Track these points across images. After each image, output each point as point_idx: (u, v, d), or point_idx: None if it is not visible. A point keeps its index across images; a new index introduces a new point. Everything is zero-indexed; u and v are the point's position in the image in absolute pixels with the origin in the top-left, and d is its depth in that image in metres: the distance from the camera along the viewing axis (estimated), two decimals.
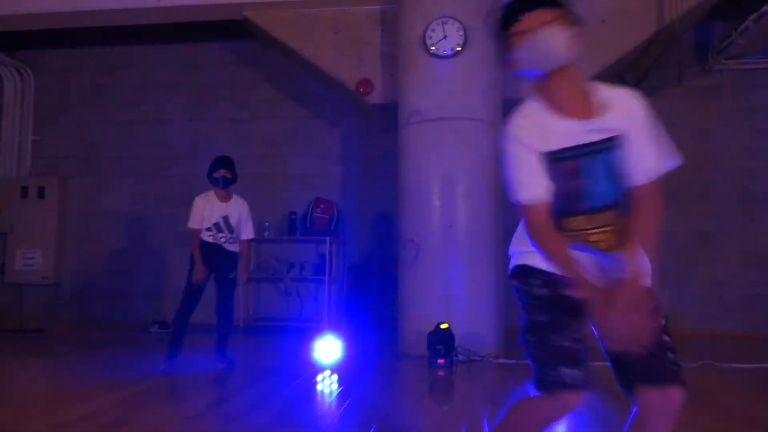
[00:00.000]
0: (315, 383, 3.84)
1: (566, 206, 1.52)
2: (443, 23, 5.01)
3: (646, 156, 1.52)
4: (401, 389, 3.96)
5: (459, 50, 5.00)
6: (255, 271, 6.90)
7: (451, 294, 4.88)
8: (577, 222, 1.52)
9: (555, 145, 1.50)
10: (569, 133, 1.50)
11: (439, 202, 4.99)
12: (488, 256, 4.96)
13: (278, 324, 6.64)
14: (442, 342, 4.46)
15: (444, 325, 4.49)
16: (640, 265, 1.45)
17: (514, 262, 1.66)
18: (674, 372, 1.46)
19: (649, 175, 1.52)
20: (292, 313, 6.86)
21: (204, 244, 4.35)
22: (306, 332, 5.93)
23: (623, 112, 1.53)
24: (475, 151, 5.02)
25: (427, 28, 5.04)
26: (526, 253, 1.59)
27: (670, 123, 5.98)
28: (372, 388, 3.81)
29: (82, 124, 7.59)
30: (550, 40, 1.47)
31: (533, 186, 1.51)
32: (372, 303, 6.70)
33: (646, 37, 5.53)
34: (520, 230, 1.62)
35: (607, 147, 1.51)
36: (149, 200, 7.44)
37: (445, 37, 5.01)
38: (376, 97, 5.86)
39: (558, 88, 1.52)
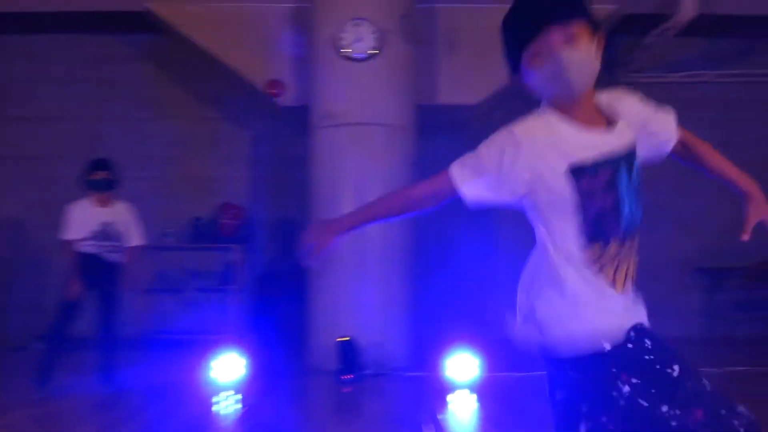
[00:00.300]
0: (215, 404, 3.56)
1: (601, 230, 1.28)
2: (357, 25, 4.86)
3: (662, 121, 1.38)
4: (308, 409, 3.75)
5: (373, 54, 4.86)
6: (154, 282, 6.43)
7: (361, 305, 4.72)
8: (611, 250, 1.28)
9: (582, 156, 1.25)
10: (594, 144, 1.27)
11: (351, 209, 4.81)
12: (400, 266, 4.85)
13: (179, 338, 6.22)
14: (350, 356, 4.29)
15: (345, 338, 4.32)
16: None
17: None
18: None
19: (674, 132, 1.41)
20: (195, 325, 6.45)
21: (82, 256, 3.95)
22: (210, 346, 5.57)
23: (629, 116, 1.33)
24: (388, 157, 4.90)
25: (340, 29, 4.86)
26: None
27: None
28: (277, 409, 3.58)
29: None
30: (580, 63, 1.23)
31: (478, 186, 1.29)
32: (282, 315, 6.42)
33: None
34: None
35: (629, 158, 1.31)
36: (38, 205, 6.78)
37: (359, 39, 4.86)
38: (287, 99, 5.61)
39: (576, 101, 1.29)
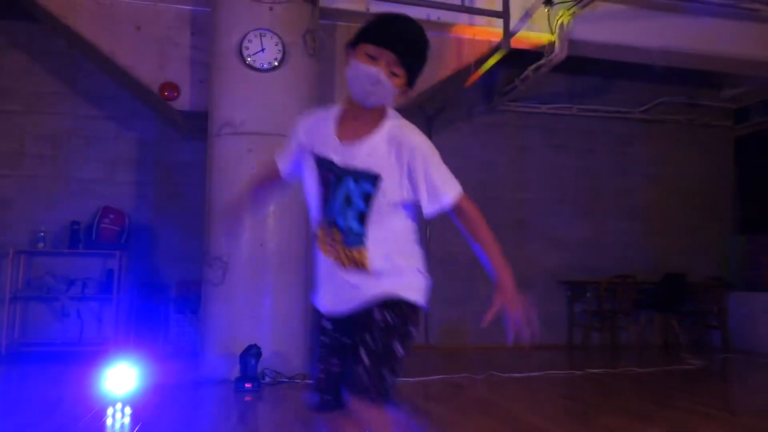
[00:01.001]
0: (105, 419, 3.41)
1: (315, 212, 1.69)
2: (261, 35, 4.89)
3: (429, 187, 1.63)
4: (207, 420, 3.69)
5: (276, 65, 4.92)
6: (24, 289, 5.94)
7: (259, 314, 4.72)
8: (320, 231, 1.68)
9: (318, 152, 1.65)
10: (339, 149, 1.61)
11: (250, 219, 4.81)
12: (297, 276, 4.91)
13: (53, 349, 5.79)
14: (250, 365, 4.29)
15: (253, 347, 4.33)
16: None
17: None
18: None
19: (437, 206, 1.65)
20: (71, 336, 6.03)
21: None
22: (88, 358, 5.27)
23: (399, 154, 1.59)
24: None
25: (244, 38, 4.87)
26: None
27: (461, 155, 6.70)
28: (174, 422, 3.50)
29: None
30: (381, 87, 1.54)
31: (279, 157, 1.85)
32: (167, 324, 6.20)
33: (446, 75, 6.00)
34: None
35: (360, 176, 1.59)
36: None
37: (262, 49, 4.90)
38: (182, 104, 5.47)
39: (351, 108, 1.64)
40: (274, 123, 4.87)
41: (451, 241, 7.24)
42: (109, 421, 3.39)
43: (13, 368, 5.13)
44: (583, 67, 7.18)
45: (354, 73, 1.56)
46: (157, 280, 6.39)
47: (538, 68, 6.17)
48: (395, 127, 1.62)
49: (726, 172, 8.29)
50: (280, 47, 4.93)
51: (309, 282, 5.04)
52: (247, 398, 4.12)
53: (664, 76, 6.96)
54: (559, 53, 5.80)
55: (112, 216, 6.18)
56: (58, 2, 5.29)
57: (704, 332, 7.67)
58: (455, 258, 7.24)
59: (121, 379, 3.96)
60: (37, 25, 6.27)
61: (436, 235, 7.21)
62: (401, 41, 1.55)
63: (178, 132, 6.58)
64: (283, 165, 1.83)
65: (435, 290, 6.59)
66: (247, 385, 4.23)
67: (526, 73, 6.38)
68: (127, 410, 3.64)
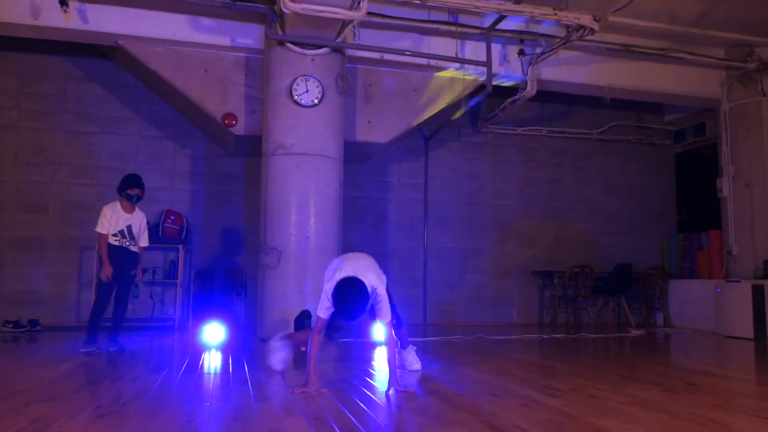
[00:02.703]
0: (202, 361, 4.92)
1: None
2: (306, 80, 6.47)
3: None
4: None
5: (317, 102, 6.49)
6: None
7: (304, 290, 6.27)
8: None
9: None
10: None
11: (297, 218, 6.37)
12: (333, 259, 6.47)
13: (129, 324, 7.27)
14: (303, 326, 5.84)
15: (306, 311, 5.88)
16: None
17: None
18: None
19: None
20: (143, 313, 7.54)
21: (111, 248, 5.13)
22: (160, 330, 6.77)
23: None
24: (324, 180, 6.52)
25: (293, 82, 6.44)
26: None
27: (453, 168, 8.77)
28: (256, 363, 5.01)
29: None
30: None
31: (323, 312, 3.50)
32: (217, 303, 7.71)
33: (443, 105, 7.63)
34: None
35: None
36: None
37: (307, 90, 6.47)
38: (239, 129, 7.01)
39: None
40: (316, 146, 6.45)
41: (442, 238, 8.88)
42: (207, 361, 4.89)
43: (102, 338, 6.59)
44: (551, 97, 8.88)
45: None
46: (208, 269, 7.90)
47: (513, 101, 7.83)
48: None
49: (668, 183, 10.05)
50: (320, 89, 6.50)
51: None
52: (303, 349, 5.64)
53: (617, 104, 8.68)
54: (530, 90, 7.46)
55: (173, 217, 7.68)
56: (143, 51, 6.80)
57: (650, 313, 9.36)
58: (446, 252, 8.86)
59: (213, 332, 5.49)
60: (110, 62, 7.79)
61: (430, 233, 8.83)
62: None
63: (224, 150, 8.11)
64: (326, 315, 3.44)
65: (430, 278, 8.80)
66: (302, 349, 5.77)
67: (504, 104, 8.04)
68: (223, 355, 5.14)
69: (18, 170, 7.57)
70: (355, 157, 8.09)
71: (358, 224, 8.46)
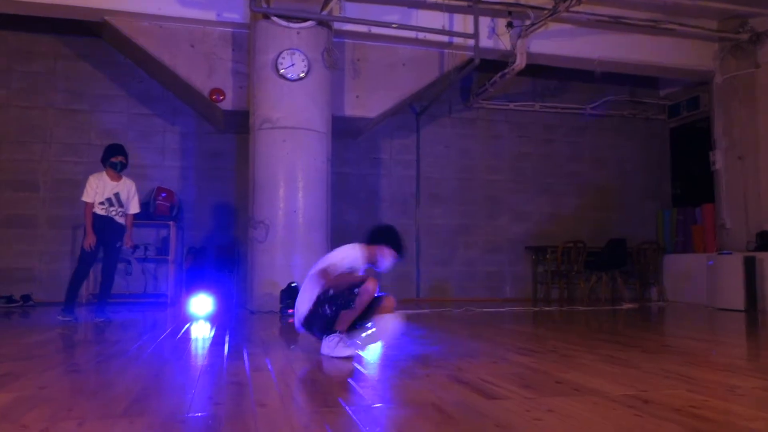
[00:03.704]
0: (196, 328, 4.96)
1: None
2: (291, 54, 6.45)
3: None
4: (259, 332, 5.24)
5: (303, 76, 6.48)
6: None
7: (292, 263, 6.30)
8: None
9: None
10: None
11: (285, 192, 6.39)
12: (321, 234, 6.50)
13: (122, 300, 7.34)
14: (291, 297, 5.87)
15: (293, 284, 5.92)
16: None
17: None
18: None
19: None
20: (135, 289, 7.59)
21: (96, 217, 5.15)
22: (153, 306, 6.83)
23: None
24: (311, 154, 6.52)
25: (278, 55, 6.42)
26: None
27: (445, 144, 8.78)
28: (241, 332, 5.05)
29: None
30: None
31: None
32: (209, 278, 7.75)
33: (432, 79, 7.60)
34: None
35: None
36: None
37: (292, 64, 6.45)
38: (226, 104, 7.01)
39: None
40: (303, 119, 6.44)
41: (434, 214, 8.89)
42: (197, 332, 4.92)
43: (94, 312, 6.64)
44: (544, 72, 8.83)
45: (389, 263, 3.39)
46: (200, 245, 7.93)
47: (503, 75, 7.78)
48: None
49: (662, 157, 10.01)
50: (306, 62, 6.48)
51: (329, 238, 6.64)
52: (291, 320, 5.68)
53: (610, 78, 8.62)
54: (519, 63, 7.41)
55: (164, 194, 7.70)
56: (130, 27, 6.79)
57: (644, 288, 9.36)
58: (438, 228, 8.87)
59: (201, 304, 5.53)
60: (99, 39, 7.77)
61: (422, 209, 8.83)
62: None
63: (213, 126, 8.11)
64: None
65: (422, 254, 8.81)
66: (290, 311, 5.81)
67: (494, 78, 7.99)
68: (209, 325, 5.18)
69: (8, 149, 7.59)
70: (346, 133, 8.08)
71: (350, 201, 8.47)
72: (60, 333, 4.37)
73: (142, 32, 6.81)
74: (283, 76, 6.42)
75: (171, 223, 7.59)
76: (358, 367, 2.91)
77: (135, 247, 7.48)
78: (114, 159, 5.28)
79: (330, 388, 2.44)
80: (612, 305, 7.96)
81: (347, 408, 2.04)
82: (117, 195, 5.26)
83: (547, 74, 9.01)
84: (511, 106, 9.23)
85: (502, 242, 9.15)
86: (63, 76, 7.82)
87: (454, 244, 8.93)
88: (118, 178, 5.33)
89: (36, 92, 7.72)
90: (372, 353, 3.40)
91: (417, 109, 8.84)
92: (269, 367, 2.89)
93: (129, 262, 7.57)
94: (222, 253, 7.86)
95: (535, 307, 7.29)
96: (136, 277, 7.71)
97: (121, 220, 5.31)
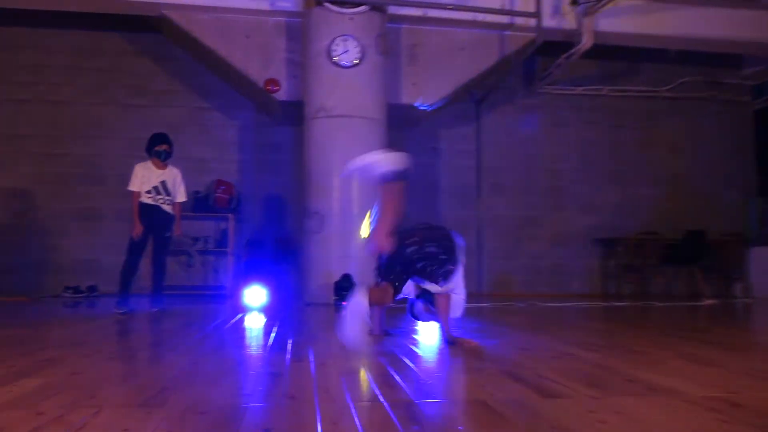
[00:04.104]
0: (249, 320, 4.88)
1: None
2: (345, 40, 6.29)
3: None
4: (309, 323, 5.11)
5: (357, 62, 6.31)
6: None
7: (348, 254, 6.15)
8: None
9: None
10: None
11: (339, 182, 6.24)
12: None
13: (185, 292, 7.42)
14: (345, 288, 5.72)
15: (347, 275, 5.76)
16: None
17: None
18: None
19: None
20: (196, 281, 7.67)
21: (144, 206, 5.15)
22: (212, 298, 6.86)
23: None
24: (366, 142, 6.31)
25: (332, 42, 6.28)
26: None
27: (505, 132, 8.32)
28: (292, 323, 4.93)
29: None
30: None
31: None
32: (268, 270, 7.73)
33: (492, 64, 7.27)
34: None
35: None
36: (46, 178, 7.75)
37: (346, 51, 6.30)
38: (282, 95, 6.94)
39: None
40: (356, 107, 6.28)
41: (497, 206, 8.55)
42: (246, 323, 4.84)
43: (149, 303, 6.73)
44: (613, 53, 8.30)
45: None
46: (259, 237, 7.93)
47: (569, 56, 7.35)
48: None
49: (745, 142, 9.23)
50: (359, 49, 6.31)
51: None
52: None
53: (686, 57, 8.00)
54: (586, 43, 6.97)
55: (223, 187, 7.74)
56: (187, 19, 6.82)
57: (728, 283, 8.66)
58: (501, 221, 8.53)
59: (255, 295, 5.46)
60: (160, 36, 7.87)
61: (483, 201, 8.51)
62: None
63: (271, 119, 8.08)
64: None
65: (485, 247, 8.39)
66: (344, 303, 5.66)
67: (559, 60, 7.56)
68: (261, 316, 5.09)
69: (77, 144, 7.82)
70: (403, 122, 7.86)
71: (408, 193, 8.21)
72: (112, 323, 4.39)
73: (198, 25, 6.84)
74: (336, 64, 6.28)
75: (230, 215, 7.61)
76: (406, 360, 2.69)
77: (195, 240, 7.58)
78: (158, 148, 5.27)
79: (371, 381, 2.24)
80: (691, 301, 7.38)
81: (384, 402, 1.83)
82: (163, 183, 5.25)
83: (616, 55, 8.47)
84: (578, 90, 8.75)
85: (568, 234, 8.70)
86: (126, 73, 7.99)
87: (517, 237, 8.56)
88: (163, 167, 5.32)
89: (101, 89, 7.92)
90: (423, 345, 3.18)
91: (477, 97, 8.52)
92: (310, 358, 2.73)
93: (190, 255, 7.66)
94: (280, 244, 7.81)
95: (605, 303, 6.85)
96: (197, 269, 7.78)
97: (168, 208, 5.29)
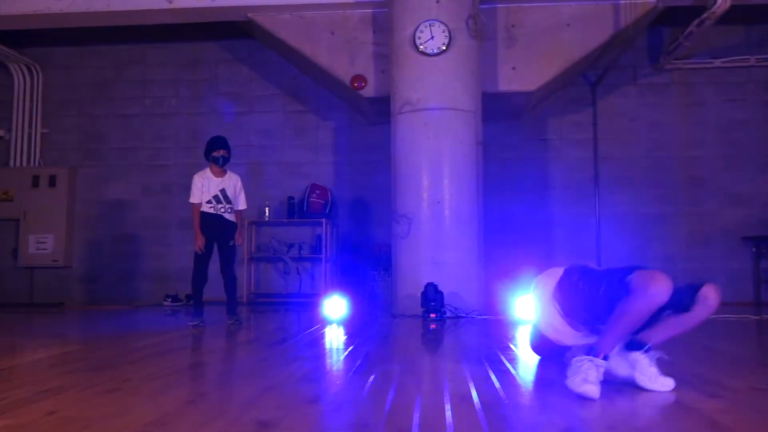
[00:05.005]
0: (329, 333, 4.48)
1: None
2: (430, 25, 5.74)
3: None
4: (398, 339, 4.60)
5: (444, 49, 5.72)
6: (256, 251, 7.51)
7: (438, 261, 5.58)
8: None
9: None
10: None
11: (428, 181, 5.70)
12: (471, 228, 5.69)
13: (279, 299, 7.29)
14: (433, 300, 5.17)
15: (435, 284, 5.20)
16: None
17: None
18: None
19: None
20: (292, 288, 7.51)
21: (206, 216, 4.95)
22: (306, 306, 6.61)
23: None
24: (457, 137, 5.74)
25: (416, 29, 5.75)
26: None
27: (628, 117, 7.11)
28: (373, 338, 4.45)
29: (88, 117, 8.11)
30: None
31: None
32: (364, 278, 7.37)
33: (605, 39, 6.33)
34: None
35: None
36: (152, 188, 7.99)
37: (432, 37, 5.74)
38: (369, 91, 6.54)
39: None
40: (445, 98, 5.70)
41: (619, 202, 7.50)
42: (328, 335, 4.44)
43: (254, 312, 6.61)
44: (758, 14, 6.93)
45: None
46: (355, 242, 7.59)
47: (701, 23, 6.19)
48: None
49: None
50: (446, 33, 5.73)
51: (481, 233, 5.80)
52: (432, 326, 4.97)
53: None
54: (722, 4, 5.81)
55: (318, 191, 7.50)
56: (271, 21, 6.65)
57: None
58: (624, 219, 7.47)
59: (336, 307, 5.08)
60: (254, 41, 7.81)
61: (603, 197, 7.51)
62: None
63: (365, 118, 7.71)
64: None
65: (604, 250, 7.16)
66: (432, 315, 5.11)
67: (689, 29, 6.42)
68: (340, 329, 4.68)
69: (180, 155, 7.99)
70: (504, 112, 7.14)
71: (513, 191, 7.47)
72: (180, 336, 4.21)
73: (282, 25, 6.64)
74: (422, 52, 5.74)
75: (323, 220, 7.34)
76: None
77: (290, 246, 7.41)
78: (216, 153, 5.03)
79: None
80: None
81: None
82: (223, 191, 5.01)
83: (763, 15, 7.07)
84: (717, 63, 7.43)
85: (710, 232, 7.42)
86: (224, 80, 8.04)
87: (645, 237, 7.45)
88: (222, 174, 5.08)
89: (200, 98, 8.03)
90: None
91: (592, 79, 7.54)
92: (369, 384, 2.23)
93: (285, 262, 7.50)
94: (377, 250, 7.42)
95: (757, 315, 5.63)
96: (292, 276, 7.61)
97: (230, 217, 5.05)
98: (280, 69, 7.93)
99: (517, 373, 2.62)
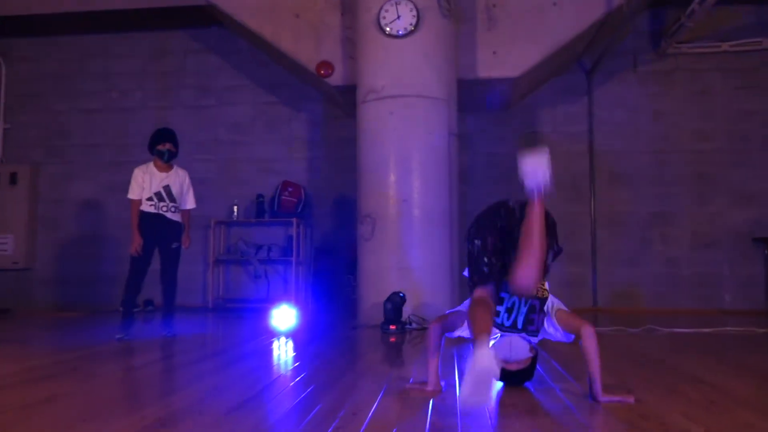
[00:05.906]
0: (270, 346, 3.96)
1: None
2: (396, 4, 5.17)
3: None
4: (353, 352, 4.06)
5: (412, 30, 5.16)
6: (223, 254, 7.01)
7: (405, 266, 5.02)
8: None
9: None
10: None
11: (394, 177, 5.14)
12: (441, 229, 5.12)
13: (247, 305, 6.77)
14: (394, 310, 4.61)
15: (400, 293, 4.64)
16: None
17: None
18: None
19: None
20: (261, 293, 6.98)
21: (145, 215, 4.44)
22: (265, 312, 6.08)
23: None
24: (427, 128, 5.17)
25: (381, 8, 5.19)
26: None
27: (627, 107, 6.34)
28: (324, 352, 3.92)
29: (52, 112, 7.68)
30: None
31: None
32: (336, 283, 6.83)
33: (596, 18, 5.70)
34: None
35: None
36: (117, 187, 7.48)
37: (398, 17, 5.17)
38: (336, 79, 6.00)
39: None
40: (413, 84, 5.14)
41: (617, 199, 6.88)
42: (274, 348, 3.92)
43: (216, 318, 6.10)
44: None
45: None
46: (330, 244, 7.05)
47: (703, 0, 5.55)
48: None
49: None
50: (414, 12, 5.16)
51: (454, 237, 5.22)
52: (392, 339, 4.41)
53: None
54: None
55: (290, 189, 6.97)
56: (232, 3, 6.13)
57: None
58: (622, 218, 6.85)
59: (284, 318, 4.54)
60: (221, 30, 7.29)
61: (600, 194, 6.90)
62: None
63: (341, 110, 7.16)
64: None
65: (600, 251, 6.49)
66: (392, 327, 4.55)
67: (692, 6, 5.76)
68: (288, 342, 4.16)
69: (146, 151, 7.47)
70: (490, 103, 6.53)
71: (502, 187, 6.83)
72: (107, 350, 3.71)
73: (243, 7, 6.12)
74: (388, 34, 5.18)
75: (294, 220, 6.81)
76: None
77: (258, 248, 6.90)
78: (161, 147, 4.54)
79: None
80: None
81: None
82: (167, 188, 4.51)
83: None
84: (725, 46, 6.75)
85: (718, 234, 6.75)
86: (192, 71, 7.55)
87: (646, 238, 6.81)
88: (167, 169, 4.58)
89: (167, 91, 7.55)
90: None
91: (587, 66, 6.91)
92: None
93: (253, 265, 6.97)
94: (352, 253, 6.86)
95: (766, 328, 4.98)
96: (261, 280, 7.08)
97: (174, 216, 4.54)
98: (249, 57, 7.41)
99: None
